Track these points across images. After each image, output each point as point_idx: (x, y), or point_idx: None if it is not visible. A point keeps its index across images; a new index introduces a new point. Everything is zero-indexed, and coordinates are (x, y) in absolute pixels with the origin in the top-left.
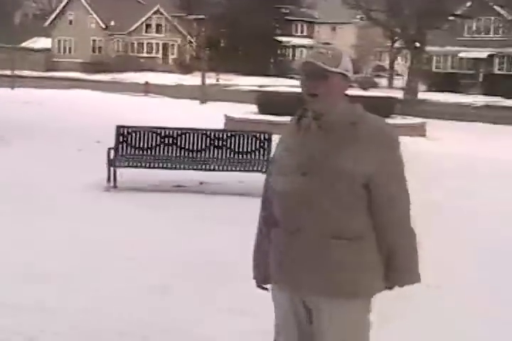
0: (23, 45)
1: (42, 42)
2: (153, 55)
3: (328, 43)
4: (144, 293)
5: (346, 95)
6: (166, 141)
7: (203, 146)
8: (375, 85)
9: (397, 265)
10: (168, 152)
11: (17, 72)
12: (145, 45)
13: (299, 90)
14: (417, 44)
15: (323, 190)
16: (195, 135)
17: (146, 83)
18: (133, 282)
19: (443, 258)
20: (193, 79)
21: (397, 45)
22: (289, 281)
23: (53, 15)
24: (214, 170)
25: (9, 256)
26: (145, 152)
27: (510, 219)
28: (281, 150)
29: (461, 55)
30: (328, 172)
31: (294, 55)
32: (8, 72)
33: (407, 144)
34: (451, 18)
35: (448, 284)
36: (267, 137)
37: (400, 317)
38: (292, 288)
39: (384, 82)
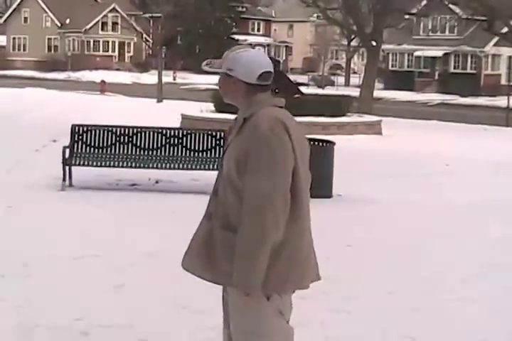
0: None
1: None
2: (109, 53)
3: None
4: (98, 292)
5: (277, 92)
6: (122, 140)
7: (159, 145)
8: (331, 83)
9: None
10: (124, 150)
11: None
12: (101, 44)
13: None
14: (374, 42)
15: (222, 182)
16: (151, 133)
17: (102, 81)
18: (83, 280)
19: None
20: (150, 78)
21: (353, 43)
22: (185, 261)
23: (8, 13)
24: (170, 168)
25: None
26: (101, 150)
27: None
28: None
29: (417, 53)
30: (224, 165)
31: None
32: None
33: (363, 142)
34: (407, 16)
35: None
36: (222, 135)
37: None
38: (184, 266)
39: (341, 80)
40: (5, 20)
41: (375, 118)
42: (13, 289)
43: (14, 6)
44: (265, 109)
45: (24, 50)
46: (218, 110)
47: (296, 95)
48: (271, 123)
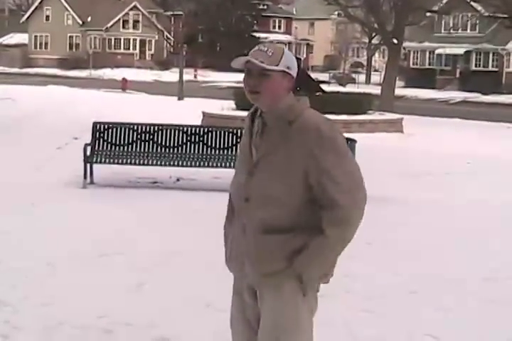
0: None
1: (18, 38)
2: (130, 51)
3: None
4: (122, 290)
5: (298, 91)
6: (143, 137)
7: (180, 142)
8: (352, 81)
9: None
10: (145, 148)
11: None
12: (122, 41)
13: None
14: (395, 40)
15: (260, 188)
16: (172, 131)
17: (124, 79)
18: (107, 279)
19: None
20: (171, 76)
21: (374, 41)
22: (236, 271)
23: (30, 11)
24: (191, 166)
25: None
26: (122, 148)
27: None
28: (239, 149)
29: (438, 51)
30: (265, 171)
31: None
32: None
33: (384, 140)
34: (428, 14)
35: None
36: None
37: None
38: (238, 277)
39: (362, 78)
40: (27, 18)
41: (396, 116)
42: (37, 287)
43: (36, 4)
44: (308, 110)
45: (46, 48)
46: (239, 108)
47: (318, 93)
48: (329, 124)
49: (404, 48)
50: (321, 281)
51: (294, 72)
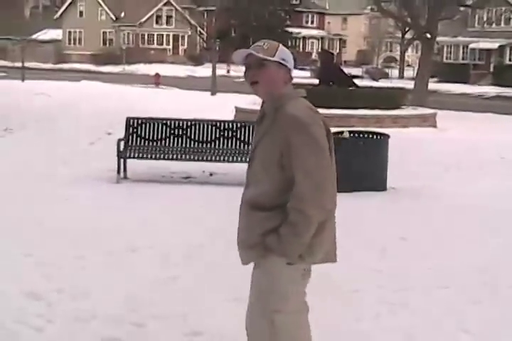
0: (34, 37)
1: (52, 34)
2: (163, 46)
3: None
4: (153, 283)
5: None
6: (176, 132)
7: (213, 137)
8: (385, 76)
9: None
10: (178, 143)
11: (27, 64)
12: (155, 37)
13: (309, 81)
14: (428, 35)
15: (254, 171)
16: (205, 126)
17: (157, 74)
18: (139, 273)
19: None
20: (204, 71)
21: (408, 35)
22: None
23: (64, 7)
24: (224, 161)
25: (14, 245)
26: (155, 143)
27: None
28: None
29: (472, 45)
30: (257, 155)
31: (304, 47)
32: (18, 64)
33: (417, 135)
34: (462, 8)
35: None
36: None
37: None
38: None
39: (395, 72)
40: (61, 14)
41: (429, 110)
42: (69, 281)
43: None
44: (295, 99)
45: (80, 43)
46: None
47: (351, 88)
48: (308, 113)
49: (437, 43)
50: (299, 256)
51: (290, 65)
